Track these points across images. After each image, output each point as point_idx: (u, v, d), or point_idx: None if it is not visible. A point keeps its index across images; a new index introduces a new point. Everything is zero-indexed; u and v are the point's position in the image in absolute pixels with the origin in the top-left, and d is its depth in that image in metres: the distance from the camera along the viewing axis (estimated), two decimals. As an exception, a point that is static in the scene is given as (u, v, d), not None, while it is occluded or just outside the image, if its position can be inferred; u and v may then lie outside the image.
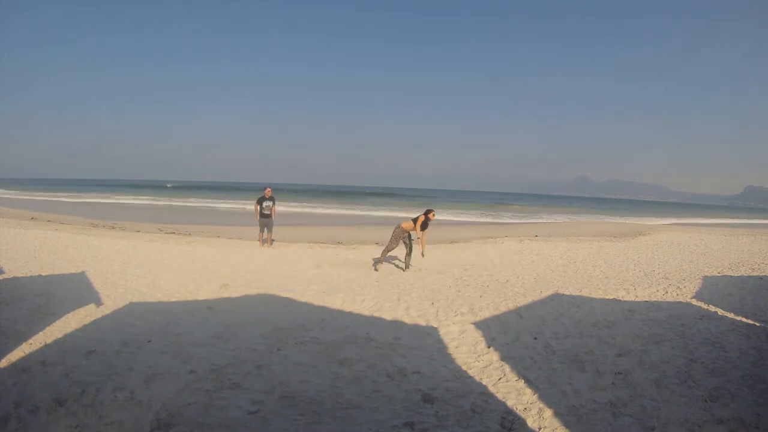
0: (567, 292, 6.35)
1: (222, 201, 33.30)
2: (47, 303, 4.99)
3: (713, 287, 6.75)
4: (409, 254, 8.14)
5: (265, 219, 10.56)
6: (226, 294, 5.93)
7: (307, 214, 24.39)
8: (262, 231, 10.61)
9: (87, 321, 4.57)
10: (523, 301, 5.83)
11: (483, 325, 4.85)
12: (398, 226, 8.12)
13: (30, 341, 3.97)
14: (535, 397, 3.27)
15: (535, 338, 4.49)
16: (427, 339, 4.47)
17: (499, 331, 4.68)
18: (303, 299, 5.76)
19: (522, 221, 26.03)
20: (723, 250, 11.66)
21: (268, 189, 10.83)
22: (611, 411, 3.08)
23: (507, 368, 3.78)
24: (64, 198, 33.62)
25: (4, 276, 6.19)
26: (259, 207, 10.54)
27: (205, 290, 6.05)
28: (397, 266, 8.39)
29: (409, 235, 8.18)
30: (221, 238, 11.85)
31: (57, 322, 4.48)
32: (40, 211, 19.34)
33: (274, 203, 10.72)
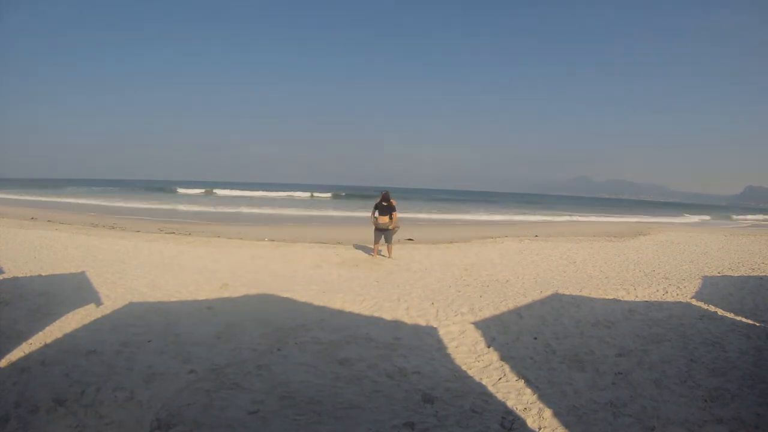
0: (567, 292, 6.35)
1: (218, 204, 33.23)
2: (47, 303, 4.99)
3: (713, 287, 6.76)
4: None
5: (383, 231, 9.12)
6: (226, 294, 5.93)
7: (307, 216, 24.38)
8: (377, 241, 9.22)
9: (87, 321, 4.57)
10: (523, 301, 5.83)
11: (483, 325, 4.85)
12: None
13: (30, 341, 3.97)
14: (535, 397, 3.28)
15: (535, 338, 4.49)
16: (427, 339, 4.47)
17: (499, 331, 4.68)
18: (303, 299, 5.76)
19: (522, 221, 26.03)
20: (723, 250, 11.67)
21: (385, 194, 9.23)
22: (611, 411, 3.08)
23: (507, 368, 3.78)
24: (67, 199, 33.51)
25: (4, 276, 6.19)
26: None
27: (205, 290, 6.06)
28: (396, 264, 8.40)
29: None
30: (221, 238, 11.84)
31: (57, 322, 4.48)
32: (40, 210, 19.35)
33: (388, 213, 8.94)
